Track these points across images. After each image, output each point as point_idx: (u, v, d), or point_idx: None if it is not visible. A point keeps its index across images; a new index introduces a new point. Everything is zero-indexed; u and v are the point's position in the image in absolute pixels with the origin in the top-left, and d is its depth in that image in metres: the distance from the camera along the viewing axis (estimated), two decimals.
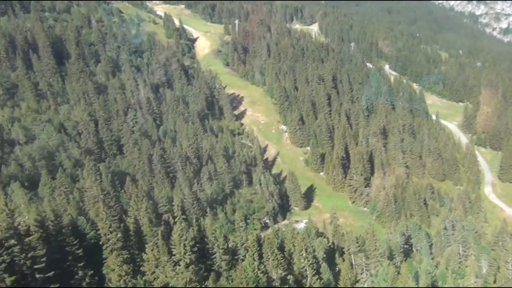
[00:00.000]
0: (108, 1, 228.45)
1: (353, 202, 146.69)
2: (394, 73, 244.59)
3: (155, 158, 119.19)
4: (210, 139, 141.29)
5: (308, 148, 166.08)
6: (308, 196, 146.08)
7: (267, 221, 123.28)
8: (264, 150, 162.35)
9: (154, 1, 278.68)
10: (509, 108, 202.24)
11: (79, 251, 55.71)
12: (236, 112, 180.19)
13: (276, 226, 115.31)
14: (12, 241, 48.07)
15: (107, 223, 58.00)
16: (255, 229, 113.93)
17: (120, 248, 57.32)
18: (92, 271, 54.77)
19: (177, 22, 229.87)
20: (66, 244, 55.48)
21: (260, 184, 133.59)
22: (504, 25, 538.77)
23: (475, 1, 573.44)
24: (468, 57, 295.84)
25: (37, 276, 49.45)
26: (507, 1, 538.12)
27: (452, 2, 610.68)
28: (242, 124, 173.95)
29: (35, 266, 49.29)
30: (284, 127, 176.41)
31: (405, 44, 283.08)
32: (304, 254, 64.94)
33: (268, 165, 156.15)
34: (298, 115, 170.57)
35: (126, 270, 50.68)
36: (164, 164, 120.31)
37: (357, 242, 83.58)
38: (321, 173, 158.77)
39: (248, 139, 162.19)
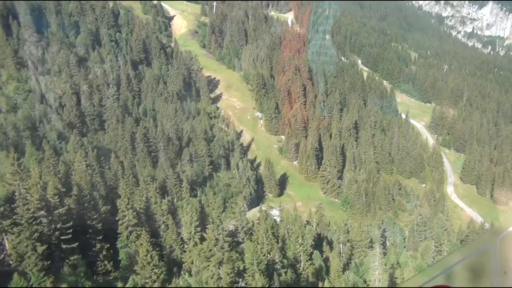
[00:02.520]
0: None
1: (325, 193, 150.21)
2: (366, 69, 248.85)
3: (139, 137, 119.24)
4: (191, 121, 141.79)
5: (283, 136, 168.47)
6: (281, 184, 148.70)
7: (244, 206, 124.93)
8: (239, 135, 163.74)
9: None
10: (473, 112, 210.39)
11: (99, 225, 56.86)
12: (212, 95, 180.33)
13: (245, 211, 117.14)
14: (42, 212, 48.97)
15: (125, 200, 58.96)
16: (233, 213, 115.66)
17: (134, 225, 58.69)
18: (108, 245, 56.08)
19: None
20: (87, 218, 56.47)
21: (238, 169, 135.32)
22: (469, 29, 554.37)
23: (443, 0, 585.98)
24: (435, 59, 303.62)
25: (63, 246, 50.65)
26: (474, 6, 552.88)
27: (420, 2, 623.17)
28: (218, 108, 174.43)
29: (62, 237, 50.45)
30: (259, 114, 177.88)
31: (376, 40, 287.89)
32: (300, 241, 67.50)
33: (243, 150, 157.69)
34: (274, 103, 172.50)
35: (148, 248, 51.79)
36: (146, 143, 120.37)
37: (347, 233, 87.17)
38: (295, 162, 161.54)
39: (224, 123, 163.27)
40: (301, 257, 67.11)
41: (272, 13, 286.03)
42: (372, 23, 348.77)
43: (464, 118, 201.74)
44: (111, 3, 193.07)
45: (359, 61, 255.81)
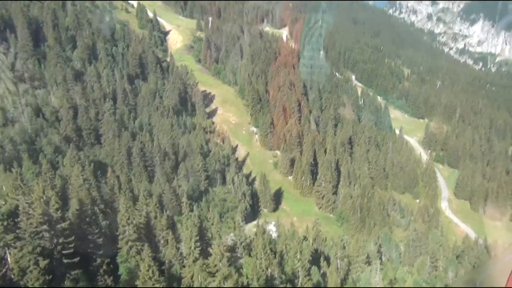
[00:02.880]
0: None
1: (320, 208, 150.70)
2: (360, 84, 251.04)
3: (135, 151, 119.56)
4: (187, 136, 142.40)
5: (278, 151, 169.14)
6: (277, 199, 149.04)
7: (240, 221, 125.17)
8: (234, 150, 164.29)
9: None
10: (466, 128, 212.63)
11: (100, 239, 57.16)
12: (207, 110, 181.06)
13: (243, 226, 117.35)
14: (44, 227, 49.32)
15: (125, 214, 59.35)
16: (229, 228, 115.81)
17: (134, 240, 59.00)
18: (108, 259, 56.26)
19: (150, 14, 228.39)
20: (88, 233, 56.77)
21: (234, 184, 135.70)
22: (460, 45, 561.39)
23: (436, 7, 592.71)
24: (428, 75, 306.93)
25: (65, 261, 50.91)
26: (465, 23, 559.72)
27: (413, 18, 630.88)
28: (213, 123, 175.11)
29: (64, 252, 50.72)
30: (254, 129, 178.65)
31: (370, 56, 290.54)
32: (298, 256, 67.95)
33: (238, 165, 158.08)
34: (269, 118, 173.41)
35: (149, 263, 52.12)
36: (143, 157, 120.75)
37: (343, 248, 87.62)
38: (290, 177, 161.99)
39: (219, 138, 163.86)
40: (299, 273, 67.50)
41: (267, 28, 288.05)
42: (365, 39, 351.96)
43: (457, 134, 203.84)
44: (107, 18, 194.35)
45: (353, 77, 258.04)
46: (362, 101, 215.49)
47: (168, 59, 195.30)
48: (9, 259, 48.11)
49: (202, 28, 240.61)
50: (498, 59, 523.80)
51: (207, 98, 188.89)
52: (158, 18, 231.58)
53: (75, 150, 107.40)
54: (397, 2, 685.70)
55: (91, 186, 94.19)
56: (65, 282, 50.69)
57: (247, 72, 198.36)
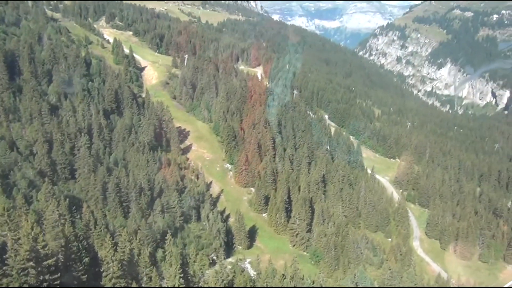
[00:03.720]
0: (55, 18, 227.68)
1: (294, 246, 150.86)
2: (333, 124, 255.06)
3: (111, 187, 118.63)
4: (163, 172, 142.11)
5: (252, 189, 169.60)
6: (251, 236, 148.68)
7: (214, 257, 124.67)
8: (208, 186, 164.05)
9: (101, 24, 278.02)
10: (436, 169, 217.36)
11: (84, 276, 56.49)
12: (182, 146, 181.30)
13: (224, 263, 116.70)
14: (30, 264, 48.77)
15: (110, 251, 58.95)
16: (203, 265, 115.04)
17: (118, 277, 58.49)
18: None
19: (126, 50, 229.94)
20: (73, 269, 56.13)
21: (208, 221, 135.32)
22: (428, 88, 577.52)
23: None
24: (398, 116, 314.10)
25: None
26: (433, 66, 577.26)
27: (382, 60, 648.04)
28: (187, 159, 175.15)
29: None
30: (229, 166, 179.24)
31: (342, 96, 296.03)
32: None
33: (213, 202, 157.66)
34: (244, 155, 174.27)
35: None
36: (118, 193, 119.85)
37: (321, 286, 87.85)
38: (264, 215, 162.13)
39: (193, 174, 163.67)
40: None
41: (242, 67, 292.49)
42: (338, 79, 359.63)
43: (427, 174, 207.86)
44: (83, 52, 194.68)
45: (326, 116, 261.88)
46: (335, 140, 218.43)
47: (144, 95, 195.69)
48: None
49: (178, 65, 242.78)
50: (464, 102, 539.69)
51: (182, 134, 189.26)
52: (134, 54, 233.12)
53: (50, 185, 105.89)
54: (367, 44, 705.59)
55: (66, 221, 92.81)
56: None
57: (222, 109, 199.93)
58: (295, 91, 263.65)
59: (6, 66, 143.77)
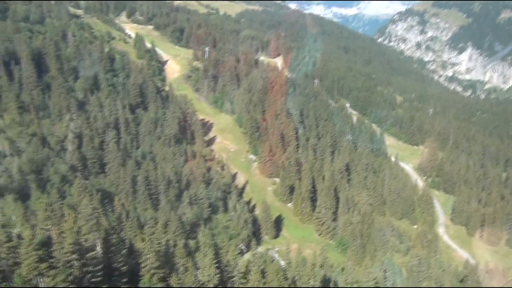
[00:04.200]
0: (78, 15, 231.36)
1: (320, 235, 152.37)
2: (354, 112, 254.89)
3: (140, 180, 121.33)
4: (189, 164, 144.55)
5: (277, 179, 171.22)
6: (277, 225, 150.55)
7: (243, 247, 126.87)
8: (233, 177, 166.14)
9: (122, 19, 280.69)
10: (460, 155, 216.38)
11: (124, 267, 58.82)
12: (206, 138, 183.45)
13: (256, 252, 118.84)
14: (74, 256, 51.03)
15: (148, 243, 61.21)
16: (236, 255, 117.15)
17: (156, 267, 60.74)
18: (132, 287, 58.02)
19: (148, 44, 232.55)
20: (112, 261, 58.46)
21: (236, 211, 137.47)
22: (449, 73, 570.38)
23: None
24: (420, 102, 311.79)
25: None
26: (454, 51, 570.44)
27: (402, 46, 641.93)
28: (212, 151, 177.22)
29: (92, 280, 52.41)
30: (253, 157, 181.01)
31: (363, 84, 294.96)
32: (312, 282, 69.76)
33: (238, 193, 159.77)
34: (268, 146, 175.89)
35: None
36: (148, 186, 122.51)
37: (350, 274, 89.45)
38: (289, 204, 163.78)
39: (219, 166, 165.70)
40: None
41: (262, 58, 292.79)
42: (357, 67, 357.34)
43: (451, 160, 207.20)
44: (106, 48, 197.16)
45: (348, 105, 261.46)
46: (357, 129, 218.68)
47: (166, 88, 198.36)
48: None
49: (199, 58, 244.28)
50: (486, 86, 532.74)
51: (206, 127, 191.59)
52: (156, 48, 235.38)
53: (82, 179, 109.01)
54: (386, 31, 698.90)
55: (100, 215, 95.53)
56: None
57: (244, 101, 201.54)
58: (315, 81, 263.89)
59: (34, 64, 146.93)
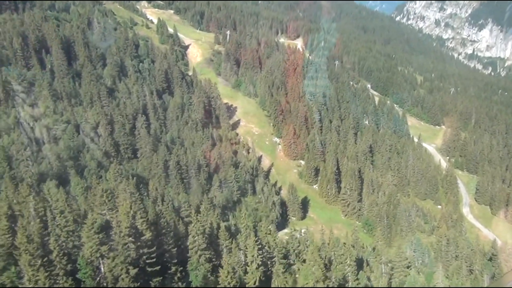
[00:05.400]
0: (100, 1, 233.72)
1: (345, 216, 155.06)
2: (376, 93, 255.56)
3: (172, 164, 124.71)
4: (217, 148, 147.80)
5: (301, 161, 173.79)
6: (303, 207, 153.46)
7: (271, 229, 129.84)
8: (259, 160, 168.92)
9: (143, 4, 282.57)
10: (483, 134, 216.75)
11: (174, 249, 62.29)
12: (230, 122, 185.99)
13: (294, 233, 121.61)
14: (130, 239, 54.44)
15: (196, 226, 64.47)
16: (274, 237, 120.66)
17: (203, 249, 64.09)
18: (181, 267, 61.39)
19: (170, 29, 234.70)
20: (163, 243, 61.96)
21: (263, 194, 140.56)
22: (469, 50, 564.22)
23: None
24: (441, 82, 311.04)
25: (148, 269, 56.01)
26: (474, 28, 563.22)
27: (421, 24, 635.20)
28: (237, 134, 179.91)
29: (147, 261, 55.85)
30: (277, 139, 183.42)
31: (383, 65, 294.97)
32: (348, 262, 72.69)
33: (264, 175, 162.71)
34: (292, 129, 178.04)
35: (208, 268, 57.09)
36: (179, 170, 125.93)
37: (380, 254, 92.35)
38: (314, 186, 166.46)
39: (244, 149, 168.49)
40: (349, 277, 72.03)
41: (282, 40, 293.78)
42: (377, 47, 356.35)
43: (474, 140, 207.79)
44: (130, 34, 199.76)
45: (369, 86, 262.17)
46: (379, 110, 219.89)
47: (189, 73, 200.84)
48: (102, 268, 53.28)
49: (220, 42, 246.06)
50: (507, 63, 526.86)
51: (230, 110, 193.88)
52: (177, 33, 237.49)
53: (117, 165, 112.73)
54: (405, 8, 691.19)
55: (137, 199, 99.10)
56: None
57: (267, 83, 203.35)
58: (336, 62, 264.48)
59: (64, 52, 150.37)
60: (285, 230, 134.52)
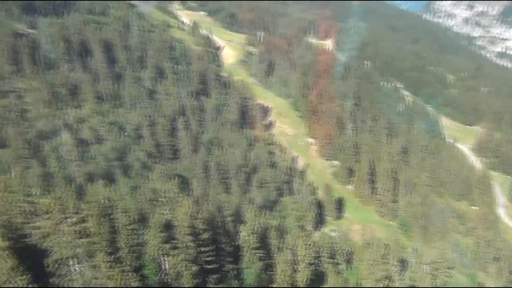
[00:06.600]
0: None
1: (381, 216, 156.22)
2: (407, 93, 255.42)
3: (212, 165, 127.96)
4: (255, 149, 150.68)
5: (335, 161, 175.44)
6: (339, 207, 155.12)
7: (310, 229, 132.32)
8: (294, 161, 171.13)
9: (175, 6, 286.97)
10: None
11: (230, 248, 65.23)
12: (264, 123, 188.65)
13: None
14: (191, 238, 57.50)
15: (249, 226, 67.38)
16: (300, 237, 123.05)
17: (255, 248, 66.87)
18: (235, 265, 64.26)
19: (203, 31, 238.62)
20: (219, 241, 64.89)
21: (300, 194, 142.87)
22: (499, 49, 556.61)
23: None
24: (472, 81, 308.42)
25: (206, 266, 58.98)
26: (504, 25, 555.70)
27: (449, 22, 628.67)
28: (272, 135, 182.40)
29: (206, 259, 58.84)
30: (311, 140, 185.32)
31: (414, 64, 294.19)
32: (392, 262, 74.68)
33: (300, 176, 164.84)
34: (325, 129, 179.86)
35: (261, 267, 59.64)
36: (219, 171, 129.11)
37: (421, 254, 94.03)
38: (348, 186, 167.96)
39: (279, 150, 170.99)
40: (395, 277, 74.00)
41: (312, 40, 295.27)
42: (406, 46, 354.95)
43: (509, 140, 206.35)
44: (165, 36, 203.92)
45: (400, 86, 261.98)
46: (412, 110, 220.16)
47: (223, 74, 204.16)
48: (165, 265, 56.40)
49: (252, 43, 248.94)
50: None
51: (263, 111, 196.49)
52: (210, 35, 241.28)
53: (161, 165, 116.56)
54: (432, 6, 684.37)
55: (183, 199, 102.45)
56: (207, 285, 58.75)
57: (299, 84, 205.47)
58: (367, 62, 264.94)
59: (105, 55, 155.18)
60: (323, 230, 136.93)
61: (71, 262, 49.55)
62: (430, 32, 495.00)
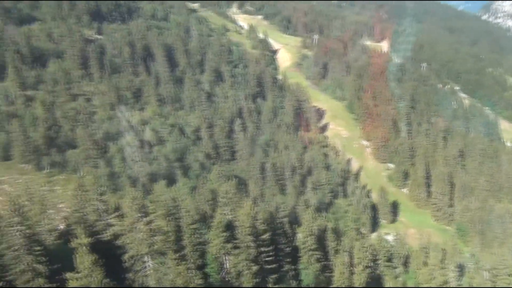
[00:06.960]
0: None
1: (436, 220, 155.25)
2: (465, 96, 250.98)
3: (268, 167, 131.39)
4: (310, 151, 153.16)
5: (390, 164, 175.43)
6: (393, 210, 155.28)
7: (364, 232, 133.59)
8: (348, 163, 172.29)
9: (233, 11, 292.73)
10: None
11: (288, 248, 68.26)
12: (319, 125, 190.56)
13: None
14: (251, 238, 60.76)
15: (307, 227, 70.22)
16: (356, 240, 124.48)
17: (313, 249, 69.58)
18: (293, 266, 67.14)
19: (259, 34, 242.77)
20: (277, 242, 68.02)
21: (354, 196, 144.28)
22: None
23: None
24: None
25: (265, 266, 62.12)
26: None
27: (510, 23, 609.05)
28: (326, 137, 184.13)
29: (266, 259, 61.98)
30: (365, 143, 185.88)
31: (472, 66, 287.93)
32: (451, 267, 75.61)
33: (354, 178, 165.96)
34: (380, 132, 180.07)
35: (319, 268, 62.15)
36: (275, 172, 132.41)
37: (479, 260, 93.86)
38: (403, 190, 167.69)
39: (333, 152, 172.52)
40: (452, 283, 74.86)
41: (368, 42, 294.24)
42: (464, 48, 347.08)
43: None
44: (223, 40, 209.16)
45: (458, 89, 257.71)
46: (469, 113, 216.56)
47: (279, 77, 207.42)
48: (226, 264, 59.84)
49: (308, 46, 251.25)
50: None
51: (318, 114, 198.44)
52: (267, 38, 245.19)
53: (220, 167, 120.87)
54: (492, 7, 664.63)
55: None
56: (268, 285, 61.83)
57: (354, 87, 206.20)
58: (423, 64, 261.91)
59: (166, 59, 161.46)
60: (378, 233, 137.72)
61: (145, 259, 53.39)
62: (489, 33, 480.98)
